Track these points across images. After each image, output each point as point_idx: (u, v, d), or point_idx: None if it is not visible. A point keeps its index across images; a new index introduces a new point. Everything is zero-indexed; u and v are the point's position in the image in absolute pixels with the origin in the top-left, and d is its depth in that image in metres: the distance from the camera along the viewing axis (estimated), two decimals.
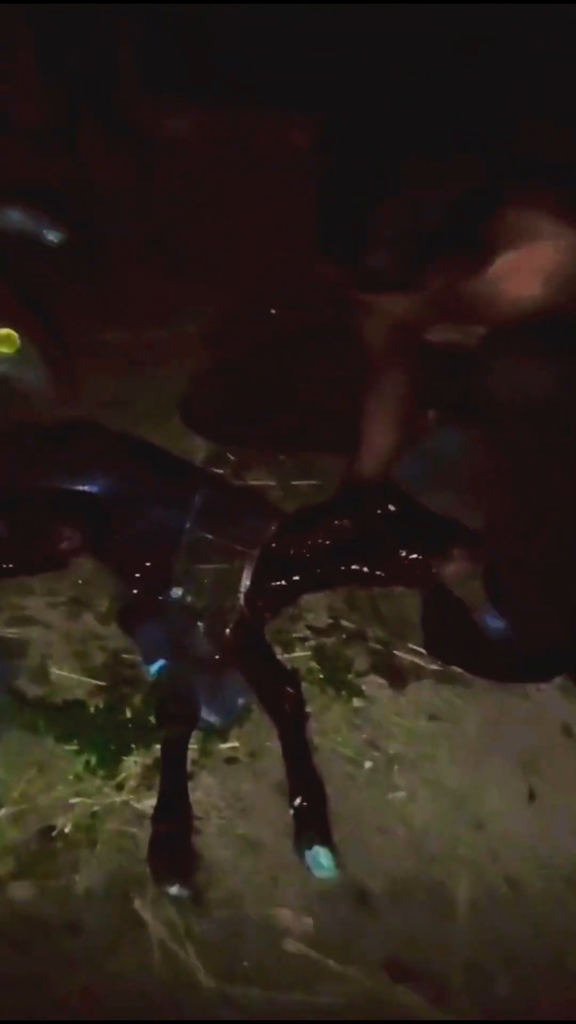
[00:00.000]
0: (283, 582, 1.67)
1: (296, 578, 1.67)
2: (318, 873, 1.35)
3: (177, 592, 1.63)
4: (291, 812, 1.42)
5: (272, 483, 2.09)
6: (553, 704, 1.65)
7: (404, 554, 1.71)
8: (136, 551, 1.72)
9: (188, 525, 1.68)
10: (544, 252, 1.41)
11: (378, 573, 1.72)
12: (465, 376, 1.63)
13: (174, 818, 1.40)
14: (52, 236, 1.19)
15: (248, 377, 2.05)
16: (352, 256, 1.35)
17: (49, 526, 1.75)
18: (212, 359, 2.10)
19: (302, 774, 1.47)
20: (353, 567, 1.70)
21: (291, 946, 1.29)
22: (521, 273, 1.42)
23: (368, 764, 1.54)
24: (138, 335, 2.53)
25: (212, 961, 1.26)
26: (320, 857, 1.36)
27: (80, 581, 1.83)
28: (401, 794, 1.50)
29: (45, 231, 1.19)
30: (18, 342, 1.06)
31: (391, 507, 1.77)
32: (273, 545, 1.65)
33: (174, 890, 1.32)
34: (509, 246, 1.41)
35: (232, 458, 2.13)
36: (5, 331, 1.07)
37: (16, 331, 1.10)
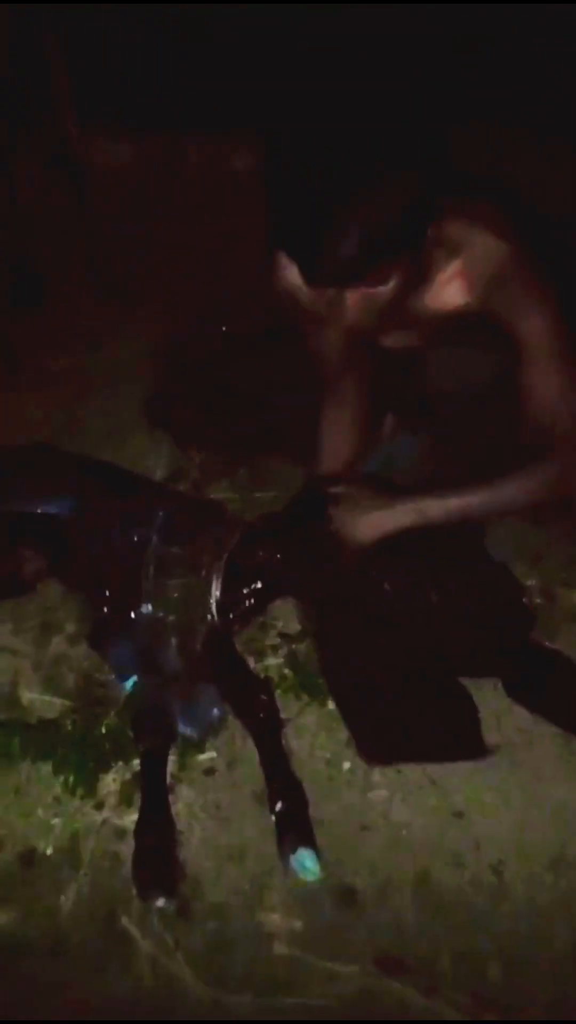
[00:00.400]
0: (251, 590, 1.67)
1: (263, 585, 1.68)
2: (303, 876, 1.35)
3: (147, 608, 1.63)
4: (272, 818, 1.42)
5: (232, 495, 2.10)
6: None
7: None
8: (101, 570, 1.72)
9: (154, 541, 1.67)
10: (476, 260, 1.49)
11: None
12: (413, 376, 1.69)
13: (157, 832, 1.39)
14: None
15: (204, 384, 2.06)
16: (304, 251, 1.39)
17: (11, 551, 1.74)
18: (166, 372, 2.11)
19: (281, 780, 1.47)
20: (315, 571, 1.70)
21: (281, 950, 1.29)
22: (457, 280, 1.51)
23: (346, 765, 1.55)
24: (86, 360, 2.53)
25: (203, 971, 1.26)
26: (305, 860, 1.36)
27: (47, 606, 1.82)
28: (381, 792, 1.51)
29: None
30: None
31: None
32: (239, 554, 1.66)
33: (160, 903, 1.32)
34: (446, 254, 1.50)
35: (193, 471, 2.14)
36: None
37: None
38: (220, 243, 2.87)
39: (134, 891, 1.33)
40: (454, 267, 1.51)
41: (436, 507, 1.61)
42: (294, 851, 1.36)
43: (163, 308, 2.65)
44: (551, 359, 1.52)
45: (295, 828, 1.40)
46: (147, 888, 1.33)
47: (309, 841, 1.38)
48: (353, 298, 1.51)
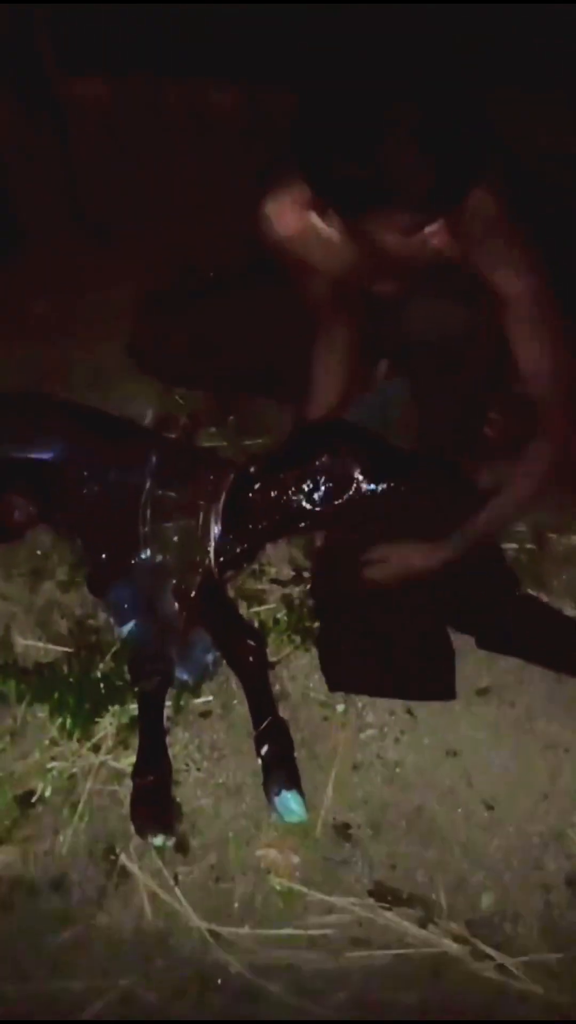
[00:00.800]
0: (245, 534, 1.67)
1: (259, 527, 1.67)
2: (288, 818, 1.37)
3: (145, 552, 1.62)
4: (259, 762, 1.44)
5: (222, 443, 2.09)
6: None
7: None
8: (96, 515, 1.70)
9: (148, 485, 1.66)
10: (466, 214, 1.46)
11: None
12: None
13: (154, 771, 1.40)
14: None
15: (189, 326, 2.03)
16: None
17: (0, 498, 1.72)
18: (149, 315, 2.08)
19: (267, 723, 1.47)
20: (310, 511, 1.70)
21: (278, 884, 1.31)
22: (445, 231, 1.47)
23: (340, 706, 1.57)
24: (68, 305, 2.49)
25: (202, 905, 1.28)
26: (290, 802, 1.37)
27: (39, 552, 1.81)
28: (373, 731, 1.53)
29: None
30: None
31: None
32: (234, 497, 1.64)
33: (157, 840, 1.33)
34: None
35: (182, 418, 2.12)
36: None
37: None
38: (202, 183, 2.82)
39: (132, 829, 1.35)
40: (448, 221, 1.46)
41: (470, 536, 1.63)
42: (279, 793, 1.38)
43: (146, 250, 2.60)
44: (532, 321, 1.52)
45: (281, 770, 1.41)
46: (145, 826, 1.34)
47: (294, 783, 1.40)
48: (348, 242, 1.49)
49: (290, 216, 1.56)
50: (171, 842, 1.33)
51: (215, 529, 1.57)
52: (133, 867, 1.31)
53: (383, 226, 1.44)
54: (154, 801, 1.37)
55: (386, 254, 1.50)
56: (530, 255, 1.51)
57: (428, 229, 1.46)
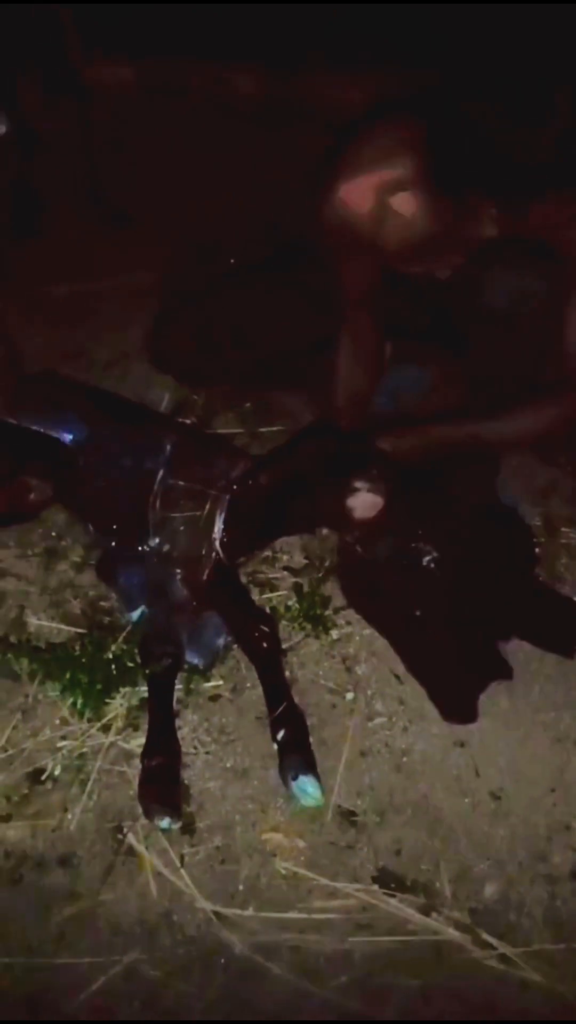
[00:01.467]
0: (256, 523, 1.67)
1: (269, 520, 1.67)
2: (304, 801, 1.38)
3: (153, 541, 1.63)
4: (274, 746, 1.44)
5: (239, 430, 2.09)
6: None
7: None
8: (108, 501, 1.71)
9: (160, 473, 1.67)
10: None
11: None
12: (435, 305, 1.67)
13: (162, 753, 1.41)
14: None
15: (208, 314, 2.04)
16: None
17: (16, 478, 1.73)
18: (169, 302, 2.08)
19: (283, 708, 1.48)
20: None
21: (283, 867, 1.32)
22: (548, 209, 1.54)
23: (349, 694, 1.57)
24: (89, 287, 2.49)
25: (207, 886, 1.29)
26: (307, 786, 1.38)
27: (53, 533, 1.83)
28: (382, 720, 1.53)
29: None
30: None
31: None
32: (245, 487, 1.65)
33: (164, 822, 1.34)
34: None
35: (198, 404, 2.13)
36: None
37: None
38: (224, 169, 2.81)
39: (140, 809, 1.36)
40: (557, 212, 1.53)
41: (448, 431, 1.63)
42: (295, 777, 1.39)
43: (166, 235, 2.60)
44: None
45: (297, 754, 1.42)
46: (152, 807, 1.35)
47: (311, 768, 1.40)
48: (426, 221, 1.50)
49: (367, 197, 1.56)
50: (177, 824, 1.34)
51: (220, 519, 1.58)
52: (140, 847, 1.32)
53: (486, 203, 1.45)
54: (162, 783, 1.38)
55: (466, 231, 1.51)
56: None
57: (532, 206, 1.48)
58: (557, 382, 1.59)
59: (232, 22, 3.35)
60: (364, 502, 1.50)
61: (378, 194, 1.54)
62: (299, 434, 1.70)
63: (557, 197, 1.44)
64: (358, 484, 1.49)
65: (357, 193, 1.56)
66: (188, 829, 1.35)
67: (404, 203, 1.50)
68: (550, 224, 1.50)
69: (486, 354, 1.73)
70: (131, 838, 1.34)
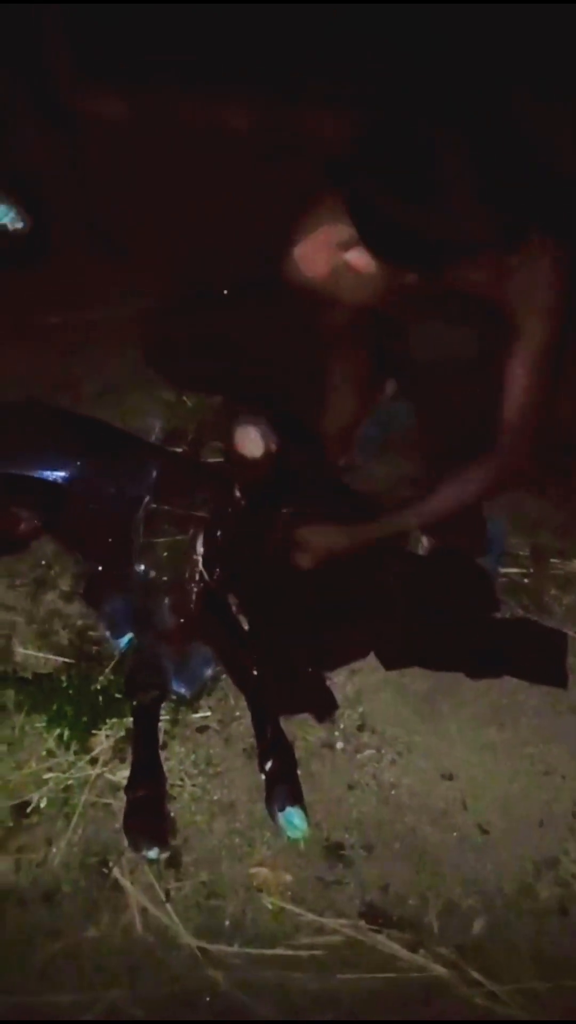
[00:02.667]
0: (235, 549, 1.68)
1: (255, 540, 1.68)
2: (291, 834, 1.37)
3: (139, 566, 1.63)
4: (261, 777, 1.43)
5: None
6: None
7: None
8: (95, 529, 1.71)
9: (146, 499, 1.67)
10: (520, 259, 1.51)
11: None
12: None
13: (147, 785, 1.40)
14: (10, 222, 1.17)
15: (202, 325, 2.05)
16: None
17: (5, 508, 1.73)
18: (163, 322, 2.10)
19: (271, 739, 1.48)
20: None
21: (269, 902, 1.31)
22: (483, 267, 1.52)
23: (338, 724, 1.56)
24: (81, 317, 2.50)
25: (193, 921, 1.28)
26: (293, 818, 1.37)
27: (43, 562, 1.82)
28: (371, 752, 1.52)
29: (10, 219, 1.16)
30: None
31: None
32: (229, 510, 1.66)
33: (151, 854, 1.33)
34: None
35: (188, 434, 2.14)
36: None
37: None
38: (218, 202, 2.83)
39: (125, 843, 1.35)
40: (507, 263, 1.51)
41: (386, 525, 1.72)
42: (282, 809, 1.38)
43: (159, 268, 2.62)
44: (535, 360, 1.55)
45: (284, 786, 1.41)
46: (138, 839, 1.34)
47: (297, 799, 1.40)
48: (381, 278, 1.52)
49: (321, 257, 1.58)
50: (165, 855, 1.33)
51: (200, 543, 1.59)
52: (125, 881, 1.31)
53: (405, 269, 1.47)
54: (148, 814, 1.37)
55: (416, 287, 1.53)
56: (564, 303, 1.53)
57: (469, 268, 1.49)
58: (490, 444, 1.62)
59: (227, 54, 3.39)
60: (245, 436, 1.59)
61: (331, 252, 1.55)
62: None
63: (470, 262, 1.46)
64: (244, 417, 1.59)
65: (312, 252, 1.58)
66: (174, 863, 1.34)
67: (358, 259, 1.51)
68: (469, 284, 1.52)
69: (427, 403, 1.77)
70: (116, 872, 1.32)
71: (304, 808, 1.39)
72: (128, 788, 1.40)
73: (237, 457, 1.62)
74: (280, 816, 1.38)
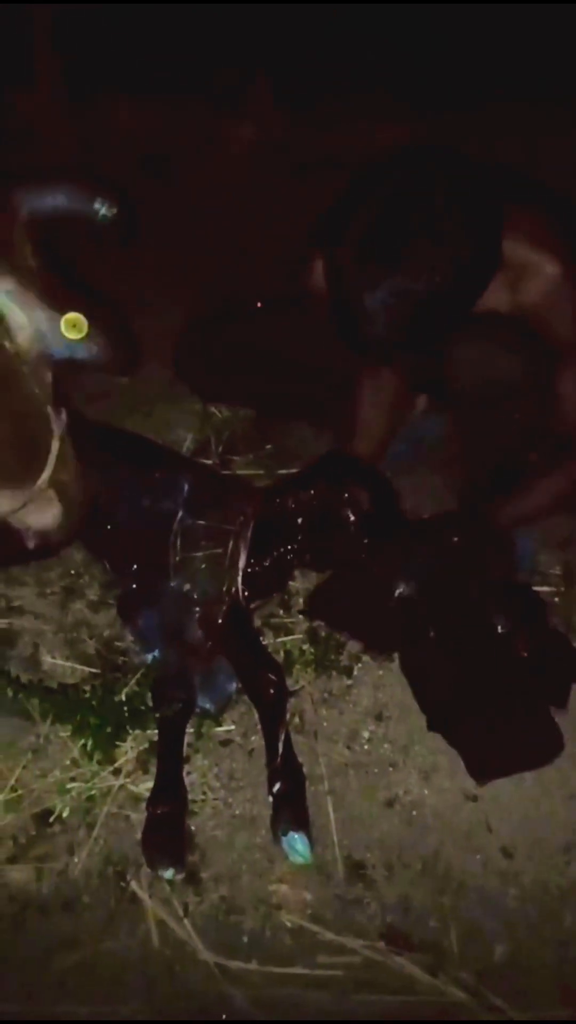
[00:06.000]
0: (273, 562, 1.67)
1: (285, 554, 1.68)
2: (293, 859, 1.35)
3: (174, 582, 1.63)
4: (269, 798, 1.42)
5: (258, 472, 2.10)
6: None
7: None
8: (126, 541, 1.72)
9: (179, 514, 1.68)
10: (527, 275, 1.54)
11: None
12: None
13: (169, 802, 1.40)
14: (105, 210, 1.18)
15: (232, 336, 2.07)
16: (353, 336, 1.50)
17: None
18: (193, 341, 2.11)
19: (281, 760, 1.46)
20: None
21: (289, 920, 1.30)
22: (504, 287, 1.55)
23: (362, 742, 1.55)
24: None
25: (210, 937, 1.27)
26: (296, 843, 1.36)
27: (72, 572, 1.84)
28: (394, 771, 1.51)
29: (97, 206, 1.18)
30: (86, 327, 1.07)
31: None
32: (263, 526, 1.65)
33: (167, 873, 1.32)
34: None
35: (219, 446, 2.14)
36: (74, 316, 1.07)
37: (83, 315, 1.11)
38: (248, 216, 2.86)
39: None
40: (502, 278, 1.53)
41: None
42: (286, 833, 1.37)
43: (192, 283, 2.64)
44: None
45: (289, 810, 1.40)
46: (155, 857, 1.34)
47: (302, 824, 1.38)
48: None
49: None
50: (180, 876, 1.33)
51: (243, 558, 1.58)
52: (143, 894, 1.31)
53: None
54: (167, 833, 1.37)
55: None
56: None
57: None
58: (558, 450, 1.61)
59: (255, 72, 3.44)
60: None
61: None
62: (314, 464, 1.72)
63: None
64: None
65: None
66: (193, 878, 1.34)
67: None
68: (500, 304, 1.54)
69: (470, 419, 1.76)
70: (135, 885, 1.32)
71: (309, 833, 1.37)
72: (149, 803, 1.40)
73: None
74: (283, 840, 1.36)
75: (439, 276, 1.39)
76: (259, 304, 2.25)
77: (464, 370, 1.67)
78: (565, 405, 1.61)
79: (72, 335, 1.11)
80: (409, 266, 1.39)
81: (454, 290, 1.43)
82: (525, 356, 1.60)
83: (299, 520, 1.61)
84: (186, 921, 1.28)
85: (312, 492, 1.61)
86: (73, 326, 1.10)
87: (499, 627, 1.60)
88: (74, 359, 1.11)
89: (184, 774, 1.46)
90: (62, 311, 1.09)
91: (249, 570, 1.61)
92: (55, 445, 1.22)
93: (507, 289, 1.54)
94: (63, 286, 1.11)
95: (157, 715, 1.50)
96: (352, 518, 1.58)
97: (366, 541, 1.60)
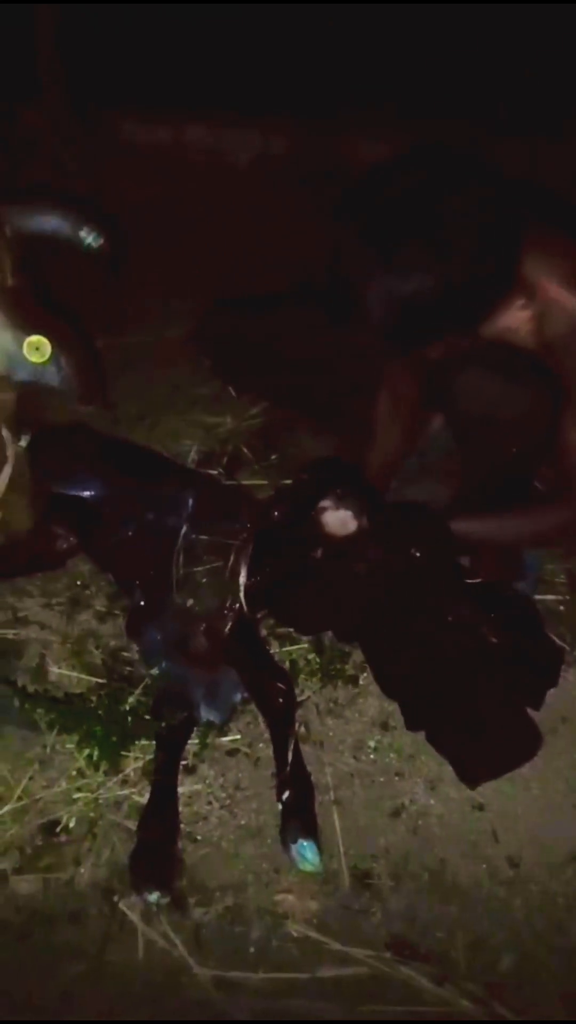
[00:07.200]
0: (277, 575, 1.67)
1: (289, 570, 1.68)
2: (302, 867, 1.35)
3: (177, 596, 1.63)
4: (279, 806, 1.42)
5: (263, 482, 2.11)
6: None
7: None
8: (131, 554, 1.73)
9: (183, 528, 1.68)
10: (550, 311, 1.49)
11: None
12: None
13: (160, 824, 1.39)
14: (91, 240, 1.19)
15: (249, 331, 2.07)
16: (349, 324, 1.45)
17: (43, 527, 1.76)
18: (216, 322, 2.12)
19: (290, 769, 1.46)
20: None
21: (295, 930, 1.29)
22: (526, 321, 1.52)
23: (368, 751, 1.55)
24: (122, 340, 2.54)
25: (216, 947, 1.27)
26: (305, 851, 1.36)
27: (77, 582, 1.84)
28: (400, 780, 1.51)
29: (84, 235, 1.18)
30: (49, 351, 1.07)
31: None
32: (266, 539, 1.65)
33: (151, 898, 1.30)
34: (522, 296, 1.49)
35: (223, 459, 2.15)
36: (37, 339, 1.08)
37: (47, 338, 1.11)
38: (259, 231, 2.87)
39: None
40: (527, 310, 1.50)
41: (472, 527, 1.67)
42: (295, 841, 1.36)
43: (199, 293, 2.65)
44: None
45: (298, 819, 1.40)
46: (140, 881, 1.32)
47: (311, 833, 1.38)
48: None
49: None
50: (166, 900, 1.31)
51: (243, 571, 1.59)
52: (149, 906, 1.31)
53: None
54: (155, 856, 1.36)
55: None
56: None
57: (505, 311, 1.48)
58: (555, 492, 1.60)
59: (264, 82, 3.45)
60: (335, 519, 1.54)
61: None
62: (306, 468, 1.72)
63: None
64: (324, 504, 1.54)
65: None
66: (199, 888, 1.34)
67: None
68: (502, 333, 1.52)
69: (470, 451, 1.76)
70: (131, 900, 1.32)
71: (318, 842, 1.37)
72: (140, 825, 1.39)
73: (325, 538, 1.57)
74: (292, 848, 1.36)
75: (430, 281, 1.35)
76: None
77: (467, 396, 1.65)
78: (568, 446, 1.55)
79: (35, 358, 1.11)
80: (400, 264, 1.37)
81: (446, 299, 1.38)
82: (533, 393, 1.56)
83: (292, 530, 1.60)
84: (192, 931, 1.28)
85: (300, 501, 1.61)
86: (36, 349, 1.11)
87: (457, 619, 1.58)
88: (37, 383, 1.11)
89: (178, 796, 1.45)
90: (28, 333, 1.09)
91: (250, 583, 1.61)
92: (6, 471, 1.21)
93: (530, 322, 1.50)
94: (36, 308, 1.11)
95: (156, 732, 1.50)
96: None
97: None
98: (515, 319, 1.50)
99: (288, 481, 2.04)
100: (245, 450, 2.19)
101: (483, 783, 1.47)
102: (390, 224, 1.36)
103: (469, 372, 1.62)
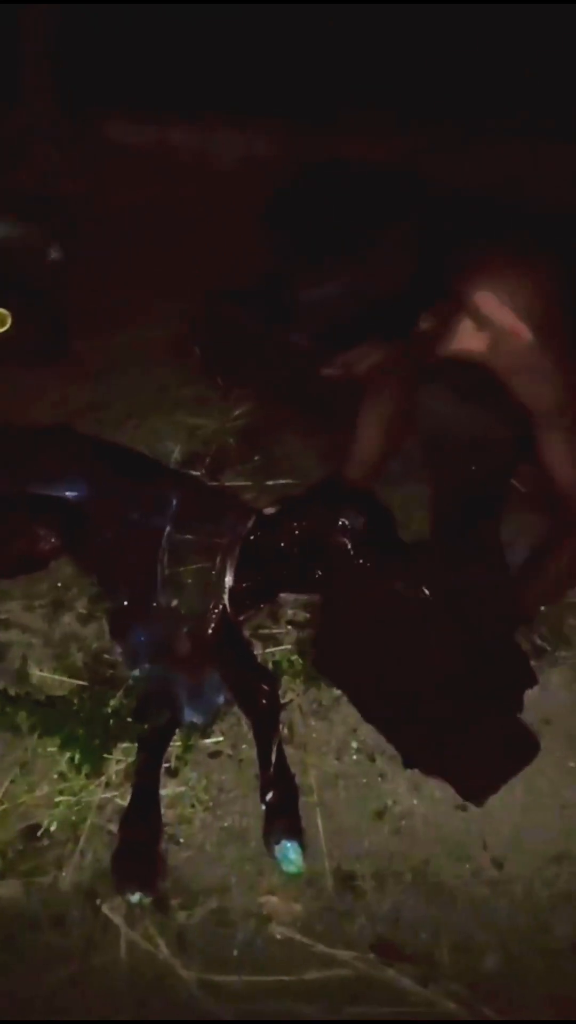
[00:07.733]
0: (262, 577, 1.67)
1: (274, 573, 1.67)
2: (286, 868, 1.35)
3: (162, 597, 1.63)
4: (263, 808, 1.42)
5: (246, 483, 2.10)
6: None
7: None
8: (115, 554, 1.72)
9: (167, 529, 1.68)
10: (503, 342, 1.45)
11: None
12: None
13: (142, 824, 1.39)
14: (54, 254, 1.19)
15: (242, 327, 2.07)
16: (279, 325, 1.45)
17: (26, 528, 1.75)
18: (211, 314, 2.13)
19: (274, 770, 1.46)
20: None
21: (279, 932, 1.29)
22: (483, 351, 1.48)
23: (351, 753, 1.55)
24: (108, 341, 2.53)
25: (200, 949, 1.27)
26: (288, 852, 1.36)
27: (59, 584, 1.83)
28: (386, 782, 1.51)
29: (47, 248, 1.18)
30: (8, 320, 1.07)
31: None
32: (251, 538, 1.65)
33: (134, 898, 1.30)
34: (475, 326, 1.46)
35: (206, 460, 2.15)
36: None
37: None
38: (240, 232, 2.86)
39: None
40: (483, 333, 1.46)
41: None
42: (279, 842, 1.37)
43: (183, 294, 2.65)
44: (568, 433, 1.51)
45: (282, 820, 1.40)
46: (124, 882, 1.32)
47: (295, 833, 1.38)
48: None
49: None
50: (148, 900, 1.31)
51: (230, 573, 1.58)
52: (132, 908, 1.30)
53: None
54: (138, 857, 1.36)
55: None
56: (562, 363, 1.45)
57: (461, 342, 1.46)
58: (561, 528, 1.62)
59: (258, 83, 3.45)
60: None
61: None
62: (308, 493, 1.71)
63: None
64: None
65: None
66: (183, 891, 1.33)
67: None
68: (455, 350, 1.49)
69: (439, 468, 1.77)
70: (115, 902, 1.31)
71: (302, 843, 1.37)
72: (122, 826, 1.39)
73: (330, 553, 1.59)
74: (276, 849, 1.36)
75: (345, 287, 1.34)
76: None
77: (430, 418, 1.67)
78: (555, 472, 1.54)
79: None
80: (320, 270, 1.36)
81: (362, 305, 1.36)
82: (495, 414, 1.57)
83: (292, 544, 1.60)
84: (175, 934, 1.27)
85: (307, 519, 1.60)
86: None
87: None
88: None
89: (162, 791, 1.45)
90: None
91: (236, 585, 1.61)
92: None
93: (488, 347, 1.46)
94: None
95: (138, 734, 1.49)
96: (347, 544, 1.57)
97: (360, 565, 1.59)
98: (471, 341, 1.47)
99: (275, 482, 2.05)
100: (230, 446, 2.19)
101: (487, 798, 1.47)
102: (313, 229, 1.37)
103: (431, 389, 1.64)
